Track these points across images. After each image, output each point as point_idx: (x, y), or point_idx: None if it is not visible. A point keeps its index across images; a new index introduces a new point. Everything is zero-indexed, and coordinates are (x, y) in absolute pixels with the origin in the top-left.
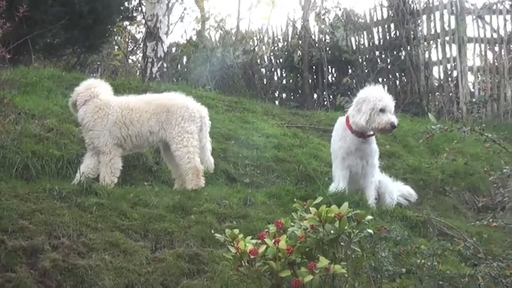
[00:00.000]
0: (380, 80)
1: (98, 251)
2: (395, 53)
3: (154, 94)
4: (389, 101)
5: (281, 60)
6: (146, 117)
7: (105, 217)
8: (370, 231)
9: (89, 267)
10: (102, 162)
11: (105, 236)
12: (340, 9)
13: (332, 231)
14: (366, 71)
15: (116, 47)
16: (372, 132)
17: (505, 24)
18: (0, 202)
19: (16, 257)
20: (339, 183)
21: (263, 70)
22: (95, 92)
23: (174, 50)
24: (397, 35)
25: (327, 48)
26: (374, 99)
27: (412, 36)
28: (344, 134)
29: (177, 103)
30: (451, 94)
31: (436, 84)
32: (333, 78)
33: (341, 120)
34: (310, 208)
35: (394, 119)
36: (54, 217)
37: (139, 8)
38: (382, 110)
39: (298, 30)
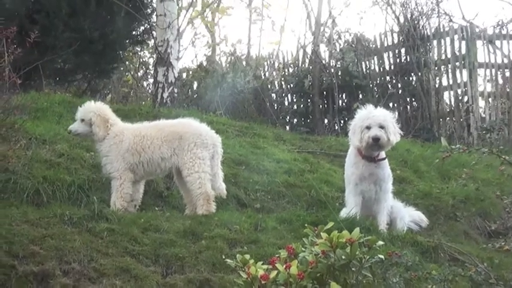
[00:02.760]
0: (390, 105)
1: (109, 276)
2: (406, 78)
3: (167, 120)
4: (374, 117)
5: (292, 85)
6: (158, 144)
7: (115, 242)
8: (381, 256)
9: None
10: (112, 187)
11: (116, 261)
12: (350, 35)
13: (343, 257)
14: (377, 96)
15: (127, 73)
16: (383, 156)
17: None
18: (11, 227)
19: (27, 282)
20: (351, 209)
21: (274, 95)
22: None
23: (184, 75)
24: (408, 60)
25: (338, 73)
26: (361, 118)
27: (423, 61)
28: (356, 160)
29: (191, 130)
30: (462, 119)
31: (447, 110)
32: (344, 104)
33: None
34: (321, 233)
35: (374, 132)
36: (65, 242)
37: (150, 34)
38: (368, 127)
39: (309, 56)
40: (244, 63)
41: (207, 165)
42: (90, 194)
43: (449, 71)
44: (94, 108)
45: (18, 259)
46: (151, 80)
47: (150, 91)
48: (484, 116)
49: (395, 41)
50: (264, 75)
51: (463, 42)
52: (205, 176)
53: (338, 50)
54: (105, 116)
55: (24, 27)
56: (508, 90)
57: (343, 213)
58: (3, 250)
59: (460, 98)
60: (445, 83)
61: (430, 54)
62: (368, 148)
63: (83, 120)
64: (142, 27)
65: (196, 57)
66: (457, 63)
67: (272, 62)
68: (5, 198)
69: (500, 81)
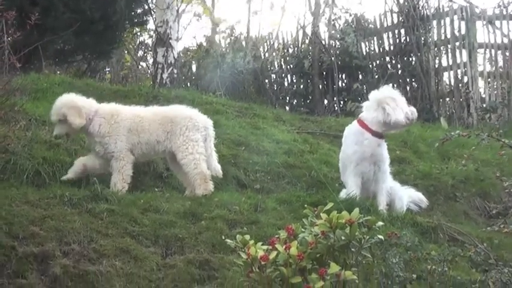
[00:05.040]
0: (390, 85)
1: (109, 257)
2: (405, 58)
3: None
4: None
5: (291, 66)
6: (155, 127)
7: (115, 223)
8: (380, 237)
9: (99, 274)
10: (114, 168)
11: (116, 242)
12: (350, 15)
13: (343, 237)
14: (376, 76)
15: (126, 53)
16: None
17: None
18: (11, 208)
19: (27, 263)
20: (351, 190)
21: (273, 76)
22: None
23: (184, 56)
24: (408, 40)
25: (338, 54)
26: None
27: (423, 42)
28: (361, 138)
29: (181, 114)
30: (461, 100)
31: (447, 90)
32: (343, 84)
33: (354, 125)
34: (321, 214)
35: (412, 108)
36: (65, 223)
37: (150, 14)
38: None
39: (309, 36)
40: (243, 43)
41: (200, 147)
42: (90, 175)
43: (449, 51)
44: (63, 104)
45: (18, 240)
46: (151, 61)
47: (149, 72)
48: (483, 96)
49: (395, 22)
50: (264, 55)
51: (463, 23)
52: (200, 157)
53: (338, 30)
54: (75, 104)
55: (24, 8)
56: (508, 70)
57: (343, 194)
58: (3, 231)
59: (460, 78)
60: (444, 63)
61: (430, 34)
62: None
63: (60, 120)
64: (141, 8)
65: (195, 38)
66: (457, 44)
67: (272, 43)
68: (5, 179)
69: (500, 61)
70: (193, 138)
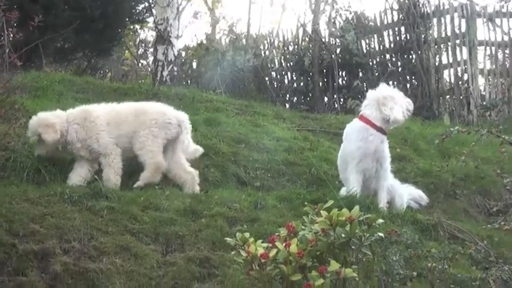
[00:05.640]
0: (390, 83)
1: (109, 254)
2: (406, 56)
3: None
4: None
5: (292, 63)
6: (131, 119)
7: (115, 221)
8: (381, 234)
9: (100, 271)
10: (104, 163)
11: (116, 239)
12: (350, 13)
13: (343, 235)
14: (377, 74)
15: (127, 51)
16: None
17: None
18: (11, 206)
19: (27, 260)
20: (352, 187)
21: (274, 73)
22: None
23: (184, 53)
24: (408, 38)
25: (338, 52)
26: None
27: (423, 39)
28: (366, 134)
29: (154, 108)
30: (462, 97)
31: (447, 88)
32: (344, 82)
33: (357, 122)
34: (321, 211)
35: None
36: (65, 221)
37: (150, 12)
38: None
39: (309, 34)
40: (244, 41)
41: (159, 144)
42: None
43: (449, 49)
44: (36, 123)
45: (19, 238)
46: (151, 59)
47: (150, 69)
48: (483, 93)
49: (396, 19)
50: (264, 53)
51: (463, 20)
52: (158, 150)
53: (338, 28)
54: (48, 121)
55: (24, 6)
56: (508, 67)
57: (343, 191)
58: (3, 229)
59: (460, 76)
60: (445, 61)
61: (430, 32)
62: (398, 122)
63: (38, 140)
64: (142, 5)
65: (196, 35)
66: (457, 41)
67: (272, 40)
68: (5, 176)
69: (501, 59)
70: (156, 134)
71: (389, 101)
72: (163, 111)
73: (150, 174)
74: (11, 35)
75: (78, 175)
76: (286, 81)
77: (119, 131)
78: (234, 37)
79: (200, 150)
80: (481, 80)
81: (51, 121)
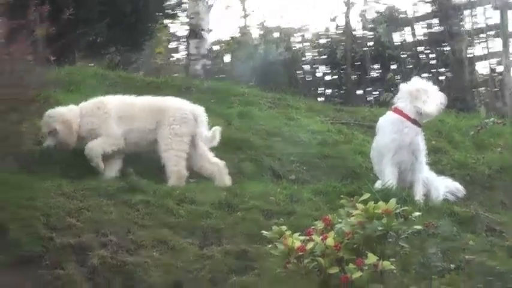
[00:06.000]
0: (424, 75)
1: (146, 248)
2: (438, 48)
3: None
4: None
5: (324, 56)
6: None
7: (152, 214)
8: (418, 227)
9: (137, 264)
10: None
11: (153, 233)
12: (382, 5)
13: (380, 228)
14: (410, 66)
15: (159, 45)
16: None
17: None
18: (47, 200)
19: (64, 254)
20: (388, 180)
21: (306, 66)
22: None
23: (216, 47)
24: (440, 30)
25: (370, 44)
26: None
27: (455, 31)
28: (401, 127)
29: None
30: (496, 89)
31: (481, 80)
32: (376, 74)
33: (391, 115)
34: (357, 204)
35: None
36: (101, 214)
37: (180, 6)
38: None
39: (341, 27)
40: (276, 34)
41: (184, 143)
42: (125, 166)
43: (483, 40)
44: (53, 118)
45: (56, 231)
46: (183, 53)
47: (182, 63)
48: None
49: (428, 11)
50: (296, 46)
51: (496, 12)
52: (182, 155)
53: (370, 20)
54: (64, 118)
55: (57, 0)
56: None
57: (378, 184)
58: (40, 222)
59: (494, 67)
60: (478, 52)
61: (463, 23)
62: (431, 116)
63: (50, 132)
64: (173, 0)
65: (228, 29)
66: (490, 33)
67: (304, 33)
68: (39, 171)
69: None
70: (179, 132)
71: (423, 94)
72: (179, 107)
73: (174, 182)
74: (45, 30)
75: (112, 168)
76: (318, 74)
77: (131, 125)
78: (266, 30)
79: (217, 129)
80: None
81: (67, 117)
